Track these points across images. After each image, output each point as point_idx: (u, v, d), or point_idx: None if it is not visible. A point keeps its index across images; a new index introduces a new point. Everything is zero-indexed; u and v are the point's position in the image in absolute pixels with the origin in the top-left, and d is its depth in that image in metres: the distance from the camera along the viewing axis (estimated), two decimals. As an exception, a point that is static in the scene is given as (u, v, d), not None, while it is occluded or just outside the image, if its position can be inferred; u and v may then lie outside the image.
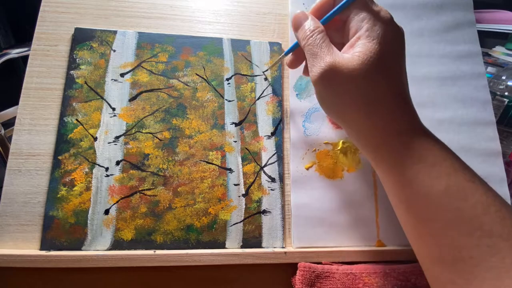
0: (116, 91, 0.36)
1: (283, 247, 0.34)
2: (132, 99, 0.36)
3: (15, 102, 0.34)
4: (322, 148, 0.37)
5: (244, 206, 0.34)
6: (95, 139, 0.34)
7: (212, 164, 0.35)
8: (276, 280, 0.33)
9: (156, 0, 0.39)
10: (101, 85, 0.35)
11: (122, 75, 0.36)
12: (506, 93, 0.43)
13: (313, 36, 0.24)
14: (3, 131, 0.42)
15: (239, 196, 0.35)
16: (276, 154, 0.36)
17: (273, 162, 0.36)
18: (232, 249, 0.33)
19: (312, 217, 0.35)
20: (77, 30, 0.36)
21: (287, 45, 0.40)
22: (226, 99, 0.37)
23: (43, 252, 0.30)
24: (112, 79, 0.36)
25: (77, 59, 0.36)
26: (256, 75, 0.38)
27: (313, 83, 0.24)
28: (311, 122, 0.38)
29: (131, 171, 0.34)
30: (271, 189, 0.35)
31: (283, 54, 0.33)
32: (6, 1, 0.53)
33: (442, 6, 0.43)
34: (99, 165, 0.33)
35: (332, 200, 0.35)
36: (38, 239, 0.31)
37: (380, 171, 0.25)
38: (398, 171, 0.22)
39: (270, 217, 0.34)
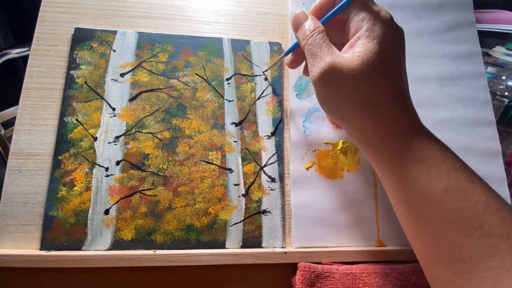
0: (116, 91, 0.36)
1: (283, 247, 0.34)
2: (132, 99, 0.36)
3: (15, 102, 0.34)
4: (322, 148, 0.37)
5: (244, 206, 0.34)
6: (95, 139, 0.34)
7: (212, 164, 0.35)
8: (276, 280, 0.33)
9: (156, 0, 0.39)
10: (101, 85, 0.35)
11: (122, 75, 0.36)
12: (506, 93, 0.43)
13: (313, 36, 0.24)
14: (3, 131, 0.42)
15: (239, 196, 0.35)
16: (276, 154, 0.36)
17: (273, 162, 0.36)
18: (232, 249, 0.33)
19: (312, 217, 0.35)
20: (77, 30, 0.36)
21: (287, 45, 0.40)
22: (226, 99, 0.37)
23: (43, 252, 0.30)
24: (112, 79, 0.36)
25: (77, 59, 0.36)
26: (256, 75, 0.38)
27: (313, 83, 0.24)
28: (311, 122, 0.38)
29: (131, 171, 0.34)
30: (271, 189, 0.35)
31: (283, 54, 0.33)
32: (6, 1, 0.53)
33: (442, 6, 0.43)
34: (99, 165, 0.33)
35: (332, 200, 0.35)
36: (38, 239, 0.31)
37: (380, 171, 0.25)
38: (398, 171, 0.22)
39: (270, 217, 0.34)
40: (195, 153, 0.35)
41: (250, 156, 0.36)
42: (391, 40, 0.22)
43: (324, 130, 0.38)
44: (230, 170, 0.35)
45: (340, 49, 0.24)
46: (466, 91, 0.40)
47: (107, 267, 0.30)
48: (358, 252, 0.34)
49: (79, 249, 0.31)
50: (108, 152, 0.34)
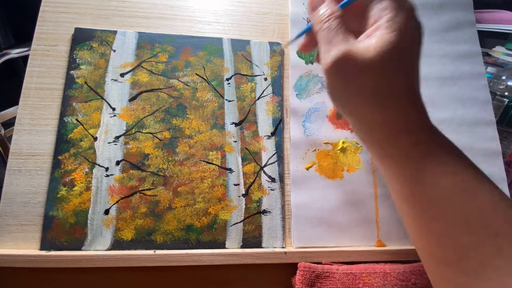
0: (116, 91, 0.36)
1: (283, 247, 0.34)
2: (132, 99, 0.36)
3: (15, 102, 0.34)
4: (322, 148, 0.37)
5: (244, 206, 0.34)
6: (95, 139, 0.34)
7: (212, 164, 0.35)
8: (276, 280, 0.33)
9: (156, 0, 0.39)
10: (101, 85, 0.35)
11: (122, 75, 0.36)
12: (506, 93, 0.43)
13: (329, 22, 0.23)
14: (3, 131, 0.42)
15: (239, 196, 0.35)
16: (276, 154, 0.36)
17: (273, 162, 0.36)
18: (232, 249, 0.33)
19: (312, 217, 0.35)
20: (77, 30, 0.36)
21: (287, 45, 0.40)
22: (226, 99, 0.37)
23: (43, 252, 0.30)
24: (112, 79, 0.36)
25: (77, 59, 0.36)
26: (256, 75, 0.38)
27: (324, 71, 0.23)
28: (311, 122, 0.38)
29: (131, 171, 0.34)
30: (271, 189, 0.35)
31: (295, 36, 0.31)
32: (6, 1, 0.53)
33: (442, 6, 0.43)
34: (99, 165, 0.33)
35: (332, 200, 0.35)
36: (38, 239, 0.31)
37: (385, 167, 0.24)
38: (404, 168, 0.22)
39: (270, 217, 0.34)
40: (195, 153, 0.35)
41: (250, 156, 0.36)
42: (410, 33, 0.21)
43: (324, 130, 0.38)
44: (230, 170, 0.35)
45: (356, 37, 0.23)
46: (466, 91, 0.40)
47: (107, 267, 0.30)
48: (358, 252, 0.34)
49: (79, 249, 0.31)
50: (108, 152, 0.34)
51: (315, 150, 0.37)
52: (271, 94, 0.38)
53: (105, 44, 0.36)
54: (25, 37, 0.53)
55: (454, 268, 0.20)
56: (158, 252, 0.31)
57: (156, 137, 0.35)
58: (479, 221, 0.19)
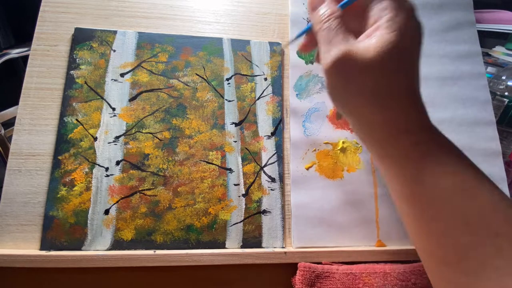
0: (116, 91, 0.36)
1: (283, 247, 0.34)
2: (132, 99, 0.36)
3: (15, 102, 0.34)
4: (322, 148, 0.37)
5: (244, 206, 0.34)
6: (95, 139, 0.34)
7: (212, 164, 0.35)
8: (276, 280, 0.33)
9: (156, 0, 0.39)
10: (101, 85, 0.35)
11: (122, 75, 0.36)
12: (506, 93, 0.43)
13: (329, 21, 0.23)
14: (3, 131, 0.42)
15: (239, 196, 0.35)
16: (276, 154, 0.36)
17: (273, 162, 0.36)
18: (232, 249, 0.33)
19: (312, 217, 0.35)
20: (77, 30, 0.36)
21: (287, 45, 0.40)
22: (226, 99, 0.37)
23: (43, 252, 0.30)
24: (112, 79, 0.36)
25: (77, 59, 0.36)
26: (256, 75, 0.38)
27: (324, 71, 0.23)
28: (311, 122, 0.38)
29: (131, 171, 0.34)
30: (271, 189, 0.35)
31: (295, 36, 0.30)
32: (6, 1, 0.53)
33: (442, 6, 0.43)
34: (99, 165, 0.33)
35: (332, 200, 0.35)
36: (38, 239, 0.31)
37: (385, 167, 0.24)
38: (404, 168, 0.22)
39: (270, 217, 0.34)
40: (195, 153, 0.35)
41: (250, 156, 0.36)
42: (411, 34, 0.21)
43: (324, 130, 0.38)
44: (230, 170, 0.35)
45: (356, 37, 0.23)
46: (466, 91, 0.40)
47: (107, 267, 0.30)
48: (358, 252, 0.34)
49: (79, 249, 0.31)
50: (108, 152, 0.34)
51: (315, 150, 0.37)
52: (271, 94, 0.38)
53: (105, 44, 0.36)
54: (25, 37, 0.53)
55: (454, 268, 0.20)
56: (158, 252, 0.31)
57: (156, 137, 0.35)
58: (479, 221, 0.19)
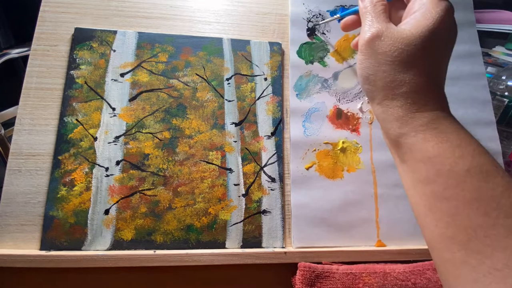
0: (116, 91, 0.36)
1: (283, 247, 0.34)
2: (132, 99, 0.36)
3: (15, 102, 0.34)
4: (322, 148, 0.37)
5: (244, 206, 0.34)
6: (95, 139, 0.34)
7: (212, 164, 0.35)
8: (276, 280, 0.33)
9: (156, 0, 0.39)
10: (101, 85, 0.35)
11: (122, 75, 0.36)
12: (506, 93, 0.43)
13: (376, 6, 0.26)
14: (3, 131, 0.42)
15: (239, 196, 0.35)
16: (276, 154, 0.36)
17: (273, 162, 0.36)
18: (232, 249, 0.33)
19: (312, 217, 0.35)
20: (77, 30, 0.36)
21: (287, 45, 0.40)
22: (226, 99, 0.37)
23: (43, 252, 0.30)
24: (112, 79, 0.36)
25: (77, 59, 0.36)
26: (256, 75, 0.38)
27: (359, 47, 0.25)
28: (311, 122, 0.38)
29: (131, 171, 0.34)
30: (271, 189, 0.35)
31: (339, 15, 0.35)
32: (6, 1, 0.53)
33: (442, 6, 0.42)
34: (99, 165, 0.33)
35: (332, 200, 0.35)
36: (38, 239, 0.31)
37: (401, 147, 0.25)
38: (423, 147, 0.23)
39: (270, 217, 0.34)
40: (195, 153, 0.35)
41: (250, 156, 0.36)
42: (446, 26, 0.23)
43: (324, 130, 0.38)
44: (230, 170, 0.35)
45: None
46: (466, 91, 0.40)
47: (107, 267, 0.30)
48: (358, 252, 0.34)
49: (79, 249, 0.31)
50: (108, 152, 0.34)
51: (315, 150, 0.37)
52: (271, 94, 0.38)
53: (105, 44, 0.36)
54: (25, 37, 0.53)
55: (462, 248, 0.21)
56: (158, 252, 0.31)
57: (156, 137, 0.35)
58: (491, 202, 0.20)
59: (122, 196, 0.33)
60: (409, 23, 0.24)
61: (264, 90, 0.38)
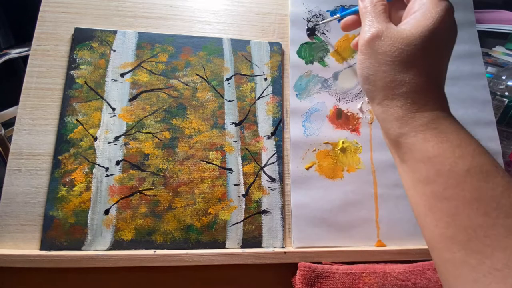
0: (116, 91, 0.36)
1: (283, 247, 0.34)
2: (132, 99, 0.36)
3: (15, 102, 0.34)
4: (322, 148, 0.37)
5: (244, 206, 0.34)
6: (95, 139, 0.34)
7: (212, 164, 0.35)
8: (276, 280, 0.33)
9: (156, 0, 0.39)
10: (101, 85, 0.35)
11: (122, 75, 0.36)
12: (506, 93, 0.43)
13: (376, 6, 0.26)
14: (3, 131, 0.42)
15: (239, 196, 0.35)
16: (276, 154, 0.36)
17: (273, 162, 0.36)
18: (232, 249, 0.33)
19: (312, 217, 0.35)
20: (77, 30, 0.36)
21: (287, 45, 0.40)
22: (226, 99, 0.37)
23: (43, 252, 0.30)
24: (112, 79, 0.36)
25: (77, 59, 0.36)
26: (256, 75, 0.38)
27: (359, 47, 0.26)
28: (311, 122, 0.38)
29: (131, 171, 0.34)
30: (271, 189, 0.35)
31: (339, 15, 0.35)
32: (6, 1, 0.53)
33: (442, 6, 0.42)
34: (99, 165, 0.33)
35: (332, 200, 0.35)
36: (38, 239, 0.31)
37: (402, 147, 0.25)
38: (423, 147, 0.23)
39: (270, 217, 0.34)
40: (195, 153, 0.35)
41: (250, 156, 0.36)
42: (446, 26, 0.23)
43: (324, 130, 0.38)
44: (230, 170, 0.35)
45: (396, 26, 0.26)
46: (466, 91, 0.40)
47: (107, 267, 0.30)
48: (358, 252, 0.34)
49: (79, 249, 0.31)
50: (108, 152, 0.34)
51: (315, 150, 0.37)
52: (271, 94, 0.38)
53: (105, 44, 0.36)
54: (25, 37, 0.53)
55: (462, 248, 0.21)
56: (158, 252, 0.31)
57: (156, 137, 0.35)
58: (491, 202, 0.20)
59: (122, 196, 0.33)
60: (409, 23, 0.24)
61: (264, 90, 0.38)
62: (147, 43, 0.37)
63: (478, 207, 0.20)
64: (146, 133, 0.35)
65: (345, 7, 0.41)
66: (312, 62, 0.40)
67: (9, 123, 0.45)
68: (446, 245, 0.22)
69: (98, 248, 0.32)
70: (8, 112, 0.45)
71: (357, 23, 0.31)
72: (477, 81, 0.41)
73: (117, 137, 0.34)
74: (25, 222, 0.31)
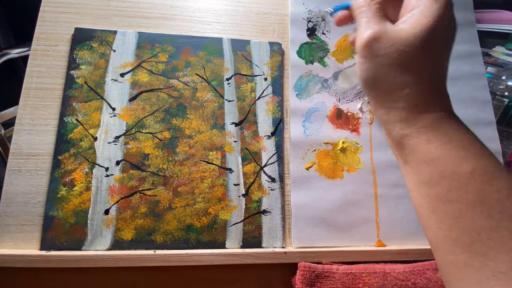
0: (116, 91, 0.36)
1: (283, 247, 0.34)
2: (132, 99, 0.36)
3: (15, 102, 0.34)
4: (322, 148, 0.37)
5: (244, 206, 0.34)
6: (95, 139, 0.34)
7: (212, 164, 0.35)
8: (276, 280, 0.33)
9: (156, 0, 0.39)
10: (101, 85, 0.35)
11: (122, 75, 0.36)
12: (506, 93, 0.43)
13: (370, 5, 0.25)
14: (3, 131, 0.42)
15: (239, 196, 0.35)
16: (276, 154, 0.36)
17: (273, 162, 0.36)
18: (232, 249, 0.33)
19: (312, 217, 0.35)
20: (77, 30, 0.36)
21: (287, 45, 0.40)
22: (226, 99, 0.37)
23: (43, 252, 0.30)
24: (112, 79, 0.36)
25: (77, 59, 0.36)
26: (256, 75, 0.38)
27: (357, 49, 0.25)
28: (311, 122, 0.38)
29: (131, 171, 0.34)
30: (271, 189, 0.35)
31: (332, 10, 0.33)
32: (6, 1, 0.53)
33: (442, 6, 0.42)
34: (99, 165, 0.33)
35: (332, 200, 0.35)
36: (38, 239, 0.31)
37: (405, 148, 0.25)
38: (427, 148, 0.23)
39: (270, 217, 0.34)
40: (195, 153, 0.35)
41: (250, 156, 0.36)
42: (445, 24, 0.23)
43: (324, 130, 0.38)
44: (230, 170, 0.35)
45: (393, 24, 0.25)
46: (466, 91, 0.40)
47: (107, 267, 0.30)
48: (358, 252, 0.34)
49: (79, 249, 0.31)
50: (108, 152, 0.34)
51: (315, 150, 0.37)
52: (271, 94, 0.38)
53: (105, 44, 0.36)
54: (25, 37, 0.53)
55: (465, 250, 0.21)
56: (158, 252, 0.31)
57: (156, 137, 0.35)
58: (495, 205, 0.20)
59: (122, 196, 0.33)
60: (408, 22, 0.23)
61: (264, 90, 0.38)
62: (147, 43, 0.37)
63: (482, 209, 0.20)
64: (146, 133, 0.35)
65: None
66: (312, 62, 0.40)
67: (9, 123, 0.45)
68: (450, 247, 0.21)
69: (98, 248, 0.32)
70: (8, 112, 0.45)
71: (351, 18, 0.30)
72: (477, 81, 0.41)
73: (117, 137, 0.34)
74: (25, 222, 0.31)
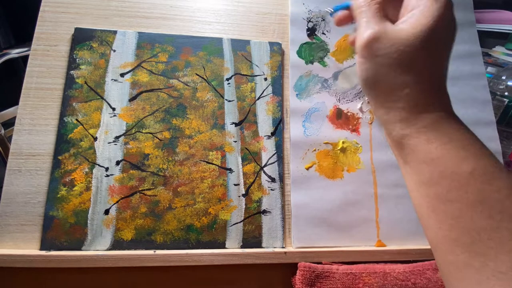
0: (116, 91, 0.36)
1: (283, 247, 0.34)
2: (132, 99, 0.36)
3: (15, 102, 0.34)
4: (322, 148, 0.37)
5: (244, 206, 0.34)
6: (95, 139, 0.34)
7: (212, 164, 0.35)
8: (276, 280, 0.33)
9: (156, 0, 0.39)
10: (101, 85, 0.35)
11: (122, 75, 0.36)
12: (506, 93, 0.43)
13: (370, 5, 0.25)
14: (3, 131, 0.42)
15: (239, 196, 0.35)
16: (276, 154, 0.36)
17: (273, 162, 0.36)
18: (232, 249, 0.33)
19: (312, 217, 0.35)
20: (77, 30, 0.36)
21: (287, 45, 0.40)
22: (226, 99, 0.37)
23: (43, 252, 0.30)
24: (112, 79, 0.36)
25: (77, 59, 0.36)
26: (256, 75, 0.38)
27: (357, 49, 0.25)
28: (311, 122, 0.38)
29: (131, 171, 0.34)
30: (271, 189, 0.35)
31: (332, 10, 0.33)
32: (6, 1, 0.53)
33: (442, 6, 0.42)
34: (99, 165, 0.33)
35: (332, 200, 0.35)
36: (38, 239, 0.31)
37: (405, 148, 0.25)
38: (427, 148, 0.23)
39: (270, 217, 0.34)
40: (195, 153, 0.35)
41: (250, 156, 0.36)
42: (445, 24, 0.23)
43: (324, 130, 0.38)
44: (230, 170, 0.35)
45: (393, 24, 0.25)
46: (466, 91, 0.40)
47: (107, 267, 0.30)
48: (358, 252, 0.34)
49: (79, 249, 0.31)
50: (108, 152, 0.34)
51: (315, 150, 0.37)
52: (271, 94, 0.38)
53: (105, 44, 0.36)
54: (25, 37, 0.53)
55: (466, 251, 0.21)
56: (158, 252, 0.31)
57: (156, 137, 0.35)
58: (495, 205, 0.20)
59: (122, 196, 0.33)
60: (408, 22, 0.23)
61: (264, 90, 0.38)
62: (147, 43, 0.37)
63: (482, 209, 0.20)
64: (146, 133, 0.35)
65: None
66: (312, 62, 0.40)
67: (9, 123, 0.45)
68: (450, 247, 0.22)
69: (98, 248, 0.32)
70: (8, 112, 0.45)
71: (351, 18, 0.30)
72: (477, 81, 0.41)
73: (117, 137, 0.34)
74: (25, 222, 0.31)
